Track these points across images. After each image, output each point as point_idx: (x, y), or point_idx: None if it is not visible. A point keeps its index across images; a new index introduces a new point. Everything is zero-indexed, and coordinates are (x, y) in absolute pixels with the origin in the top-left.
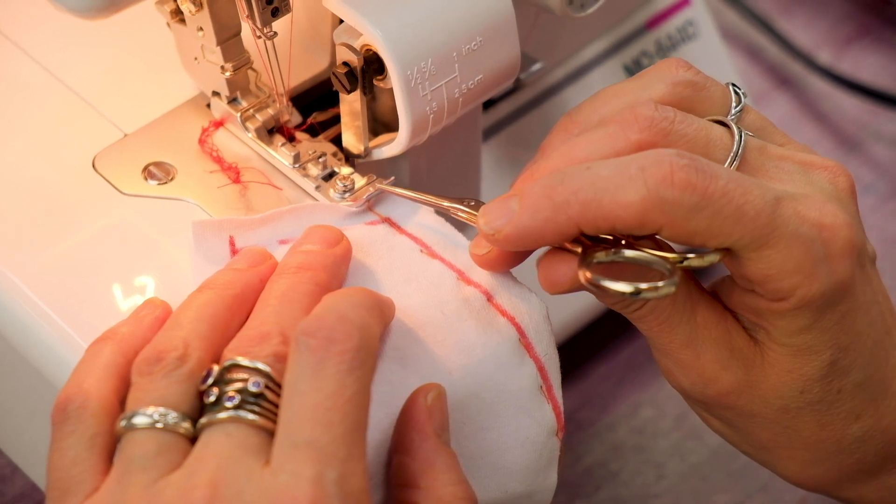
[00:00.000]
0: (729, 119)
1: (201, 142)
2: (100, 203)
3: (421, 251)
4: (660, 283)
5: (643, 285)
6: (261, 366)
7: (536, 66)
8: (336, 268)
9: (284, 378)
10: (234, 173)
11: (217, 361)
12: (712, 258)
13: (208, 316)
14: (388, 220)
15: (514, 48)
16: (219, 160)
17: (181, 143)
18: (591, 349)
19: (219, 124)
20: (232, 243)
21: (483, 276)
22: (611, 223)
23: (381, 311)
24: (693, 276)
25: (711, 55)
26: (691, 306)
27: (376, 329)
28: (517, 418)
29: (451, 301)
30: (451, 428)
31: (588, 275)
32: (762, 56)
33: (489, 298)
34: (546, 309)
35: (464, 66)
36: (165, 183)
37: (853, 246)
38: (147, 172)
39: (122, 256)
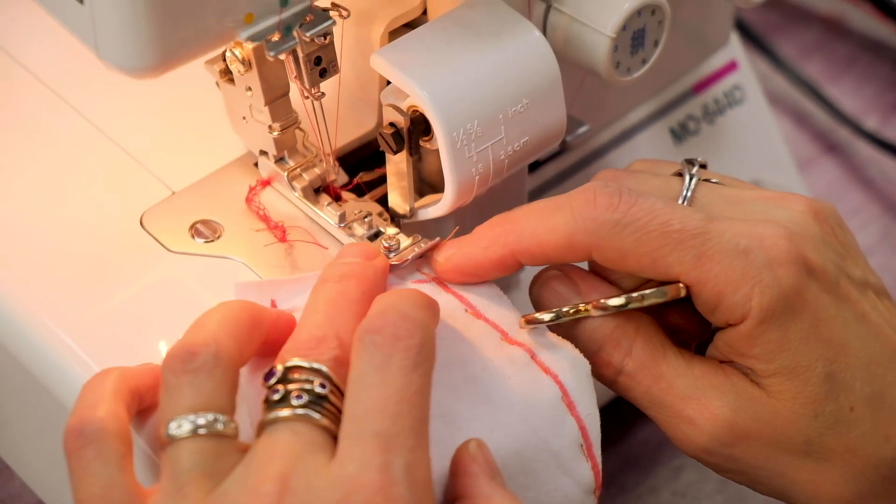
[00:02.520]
0: (684, 170)
1: (248, 200)
2: (147, 260)
3: (466, 311)
4: (646, 292)
5: (634, 294)
6: (322, 368)
7: (582, 129)
8: (378, 278)
9: (349, 375)
10: (280, 232)
11: (278, 362)
12: (663, 291)
13: (228, 317)
14: (435, 280)
15: (560, 111)
16: (265, 219)
17: (228, 202)
18: (634, 412)
19: (266, 183)
20: (274, 305)
21: (526, 336)
22: (542, 249)
23: (434, 311)
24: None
25: (758, 120)
26: (686, 361)
27: (434, 328)
28: (556, 477)
29: (494, 359)
30: None
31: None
32: (809, 121)
33: (532, 356)
34: (589, 368)
35: (510, 128)
36: (212, 241)
37: (798, 255)
38: (194, 230)
39: (168, 314)
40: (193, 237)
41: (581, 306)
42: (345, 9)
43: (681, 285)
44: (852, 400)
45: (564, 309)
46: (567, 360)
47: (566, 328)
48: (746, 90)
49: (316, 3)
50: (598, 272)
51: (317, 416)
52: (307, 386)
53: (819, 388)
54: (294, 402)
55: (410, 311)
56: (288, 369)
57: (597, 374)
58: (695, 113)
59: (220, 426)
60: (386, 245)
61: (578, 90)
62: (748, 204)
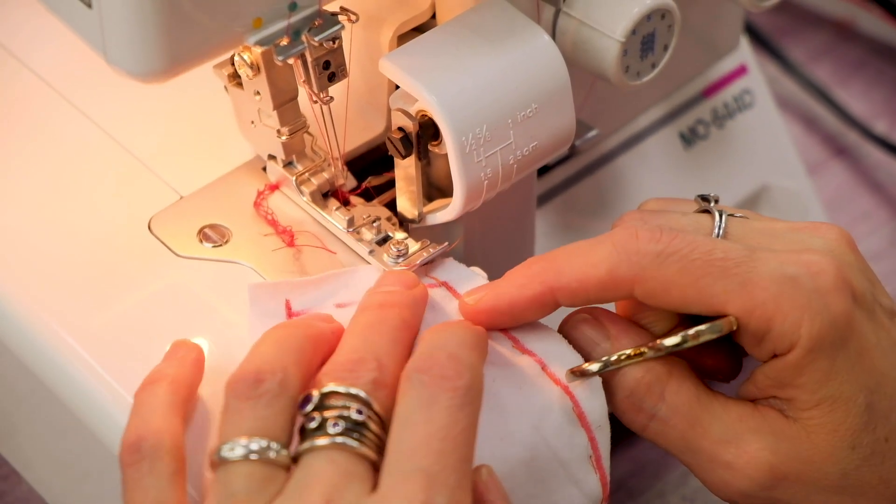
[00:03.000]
0: (711, 207)
1: (256, 205)
2: (155, 265)
3: None
4: (701, 328)
5: (690, 331)
6: (360, 393)
7: (592, 133)
8: (416, 307)
9: (395, 411)
10: (288, 237)
11: (314, 387)
12: (718, 326)
13: (293, 346)
14: (444, 285)
15: (569, 115)
16: (273, 223)
17: (237, 206)
18: None
19: (274, 188)
20: (288, 306)
21: (537, 345)
22: (583, 285)
23: (483, 350)
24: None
25: (767, 124)
26: (721, 404)
27: (481, 367)
28: (565, 487)
29: (506, 368)
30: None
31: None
32: (818, 125)
33: (543, 367)
34: (600, 379)
35: (519, 133)
36: (220, 245)
37: (845, 282)
38: (202, 235)
39: (176, 318)
40: (202, 242)
41: (631, 351)
42: (353, 13)
43: (732, 318)
44: (888, 430)
45: (613, 357)
46: None
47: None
48: (756, 94)
49: (325, 8)
50: (629, 316)
51: (355, 444)
52: (345, 413)
53: (859, 418)
54: (331, 429)
55: (459, 351)
56: (324, 395)
57: (627, 420)
58: (704, 117)
59: (272, 454)
60: (395, 250)
61: (588, 94)
62: (782, 235)
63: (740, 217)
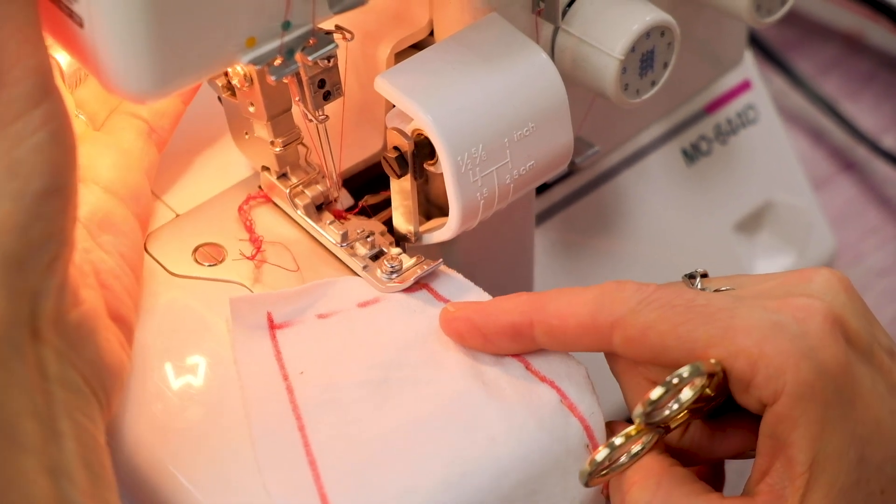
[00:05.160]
0: (697, 282)
1: (240, 209)
2: (149, 284)
3: None
4: (682, 368)
5: (669, 377)
6: None
7: (592, 151)
8: None
9: None
10: (255, 246)
11: None
12: (696, 365)
13: None
14: (426, 287)
15: (567, 134)
16: (249, 230)
17: (232, 225)
18: None
19: (266, 197)
20: (270, 319)
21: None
22: (564, 323)
23: None
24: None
25: (771, 139)
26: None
27: None
28: (565, 479)
29: (489, 370)
30: (502, 495)
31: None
32: (826, 139)
33: (527, 366)
34: (586, 370)
35: (515, 152)
36: (215, 265)
37: (835, 324)
38: (197, 254)
39: (170, 338)
40: (197, 261)
41: (631, 429)
42: (349, 31)
43: (713, 360)
44: (883, 482)
45: (616, 442)
46: (562, 366)
47: None
48: (760, 109)
49: (319, 26)
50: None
51: None
52: None
53: (849, 476)
54: None
55: None
56: None
57: None
58: (707, 133)
59: None
60: (388, 265)
61: (588, 111)
62: (769, 290)
63: (726, 290)
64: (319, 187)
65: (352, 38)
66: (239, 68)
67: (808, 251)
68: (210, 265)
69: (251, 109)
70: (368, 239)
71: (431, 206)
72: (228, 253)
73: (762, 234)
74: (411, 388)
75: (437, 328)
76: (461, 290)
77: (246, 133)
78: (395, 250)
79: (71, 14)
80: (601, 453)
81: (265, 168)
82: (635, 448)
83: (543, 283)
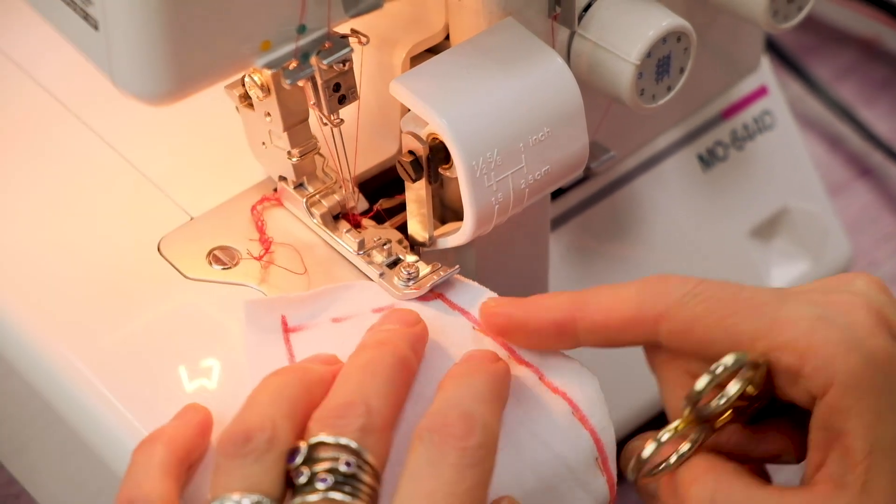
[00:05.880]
0: None
1: (253, 209)
2: (163, 287)
3: (474, 328)
4: (726, 357)
5: (713, 366)
6: (350, 443)
7: (607, 156)
8: (416, 344)
9: (405, 467)
10: (264, 247)
11: (302, 438)
12: (742, 356)
13: (287, 396)
14: (440, 297)
15: (582, 139)
16: (260, 230)
17: (246, 228)
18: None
19: (278, 200)
20: (284, 322)
21: (533, 356)
22: (607, 318)
23: (502, 396)
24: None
25: (788, 145)
26: (778, 495)
27: (497, 425)
28: (573, 491)
29: None
30: None
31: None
32: (843, 145)
33: (541, 377)
34: (598, 383)
35: (531, 157)
36: (230, 268)
37: (880, 319)
38: (212, 257)
39: (184, 341)
40: (211, 264)
41: (677, 424)
42: (364, 35)
43: (760, 353)
44: None
45: (663, 437)
46: (575, 377)
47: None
48: (776, 115)
49: (335, 30)
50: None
51: (346, 497)
52: (333, 465)
53: None
54: (318, 484)
55: (473, 406)
56: (313, 447)
57: None
58: (723, 139)
59: None
60: (405, 273)
61: (604, 116)
62: (813, 290)
63: None
64: (336, 197)
65: (367, 42)
66: (256, 78)
67: (823, 258)
68: (224, 268)
69: (268, 119)
70: (385, 247)
71: (446, 210)
72: (243, 256)
73: (777, 241)
74: (423, 395)
75: (450, 337)
76: (476, 298)
77: (263, 143)
78: (412, 257)
79: (86, 16)
80: (648, 448)
81: (282, 178)
82: (684, 448)
83: (558, 287)
